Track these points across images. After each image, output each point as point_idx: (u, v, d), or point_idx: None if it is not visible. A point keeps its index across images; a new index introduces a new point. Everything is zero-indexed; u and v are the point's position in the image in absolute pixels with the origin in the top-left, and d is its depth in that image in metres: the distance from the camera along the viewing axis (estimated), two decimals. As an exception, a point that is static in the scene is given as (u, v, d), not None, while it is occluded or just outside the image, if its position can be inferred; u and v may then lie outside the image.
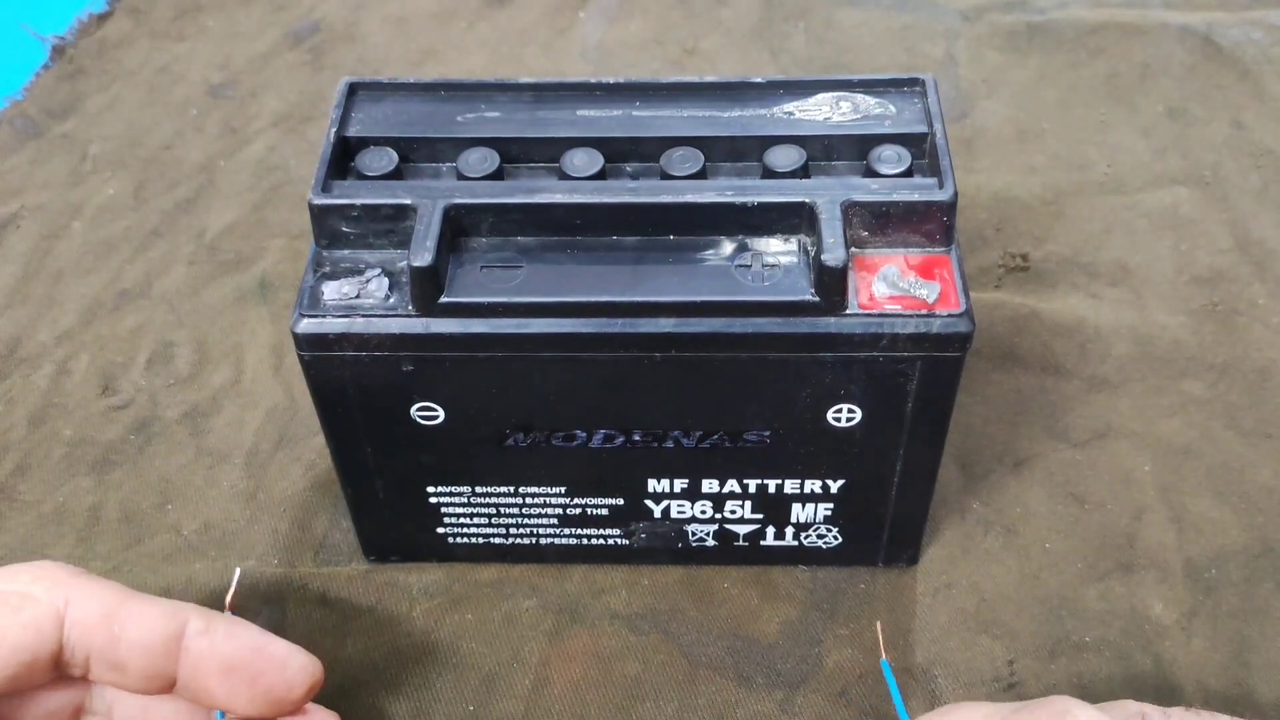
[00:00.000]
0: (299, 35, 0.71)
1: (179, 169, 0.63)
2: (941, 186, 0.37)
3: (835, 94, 0.40)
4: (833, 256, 0.35)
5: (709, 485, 0.42)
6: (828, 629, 0.43)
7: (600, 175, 0.38)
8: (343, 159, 0.39)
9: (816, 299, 0.36)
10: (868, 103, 0.40)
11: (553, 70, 0.68)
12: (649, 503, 0.43)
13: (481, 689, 0.42)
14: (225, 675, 0.33)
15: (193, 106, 0.67)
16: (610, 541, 0.44)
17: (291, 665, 0.34)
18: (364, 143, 0.39)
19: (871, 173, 0.38)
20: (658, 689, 0.42)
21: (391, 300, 0.37)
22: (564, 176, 0.38)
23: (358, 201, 0.37)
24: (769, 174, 0.38)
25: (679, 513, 0.43)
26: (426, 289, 0.36)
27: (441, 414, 0.39)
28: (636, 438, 0.40)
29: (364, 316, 0.36)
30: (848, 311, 0.36)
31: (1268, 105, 0.64)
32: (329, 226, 0.37)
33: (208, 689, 0.34)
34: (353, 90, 0.41)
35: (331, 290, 0.37)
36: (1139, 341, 0.52)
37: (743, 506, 0.43)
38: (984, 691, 0.41)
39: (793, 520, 0.43)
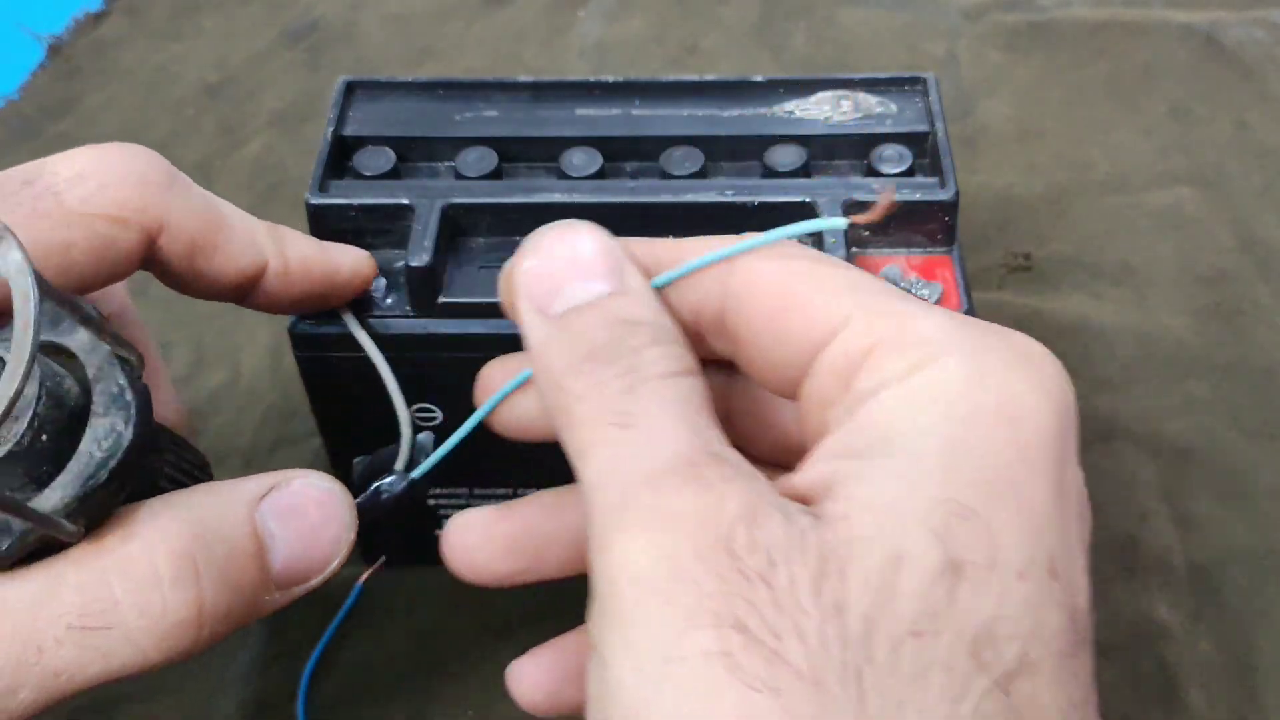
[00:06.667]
0: (296, 34, 0.71)
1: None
2: (943, 186, 0.37)
3: (836, 93, 0.40)
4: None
5: (709, 487, 0.41)
6: (829, 632, 0.43)
7: (599, 175, 0.38)
8: (340, 158, 0.39)
9: (818, 299, 0.35)
10: (869, 102, 0.40)
11: (551, 69, 0.68)
12: (649, 505, 0.42)
13: (482, 691, 0.42)
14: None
15: (189, 106, 0.66)
16: (610, 544, 0.44)
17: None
18: (361, 142, 0.39)
19: (873, 172, 0.38)
20: (658, 692, 0.42)
21: (390, 300, 0.36)
22: (563, 176, 0.38)
23: (355, 201, 0.37)
24: (770, 173, 0.38)
25: (679, 515, 0.43)
26: (425, 289, 0.35)
27: (440, 415, 0.39)
28: (636, 439, 0.39)
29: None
30: (849, 312, 0.35)
31: (1271, 105, 0.63)
32: (326, 226, 0.37)
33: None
34: (350, 89, 0.41)
35: (328, 291, 0.37)
36: (1142, 342, 0.52)
37: (743, 508, 0.42)
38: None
39: (794, 522, 0.43)
